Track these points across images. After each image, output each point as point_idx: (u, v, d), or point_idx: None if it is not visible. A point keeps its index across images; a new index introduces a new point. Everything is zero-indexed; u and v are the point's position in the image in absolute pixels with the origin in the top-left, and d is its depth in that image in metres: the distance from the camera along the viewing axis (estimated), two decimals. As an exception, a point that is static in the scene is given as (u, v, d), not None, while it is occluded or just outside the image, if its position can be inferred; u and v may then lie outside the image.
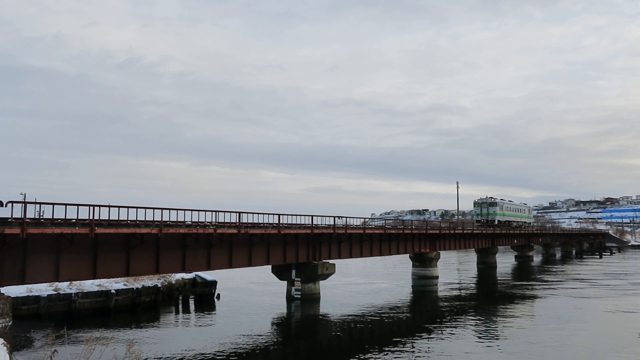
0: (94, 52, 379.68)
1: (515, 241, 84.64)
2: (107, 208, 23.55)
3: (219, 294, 40.59)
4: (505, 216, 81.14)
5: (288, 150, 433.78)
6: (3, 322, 19.27)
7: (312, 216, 35.44)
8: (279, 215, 32.64)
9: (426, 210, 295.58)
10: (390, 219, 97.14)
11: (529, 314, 33.79)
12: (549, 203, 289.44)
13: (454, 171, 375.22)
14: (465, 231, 62.23)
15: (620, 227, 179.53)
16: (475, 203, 79.97)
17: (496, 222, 77.47)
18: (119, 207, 24.35)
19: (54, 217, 23.05)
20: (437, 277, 55.27)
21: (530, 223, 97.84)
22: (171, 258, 27.55)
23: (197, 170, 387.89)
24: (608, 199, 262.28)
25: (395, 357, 22.44)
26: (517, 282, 54.75)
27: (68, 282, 31.67)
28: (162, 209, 26.20)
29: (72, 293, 31.63)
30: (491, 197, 78.91)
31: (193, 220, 28.58)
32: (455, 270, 71.55)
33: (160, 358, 22.17)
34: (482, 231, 67.78)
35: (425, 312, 37.12)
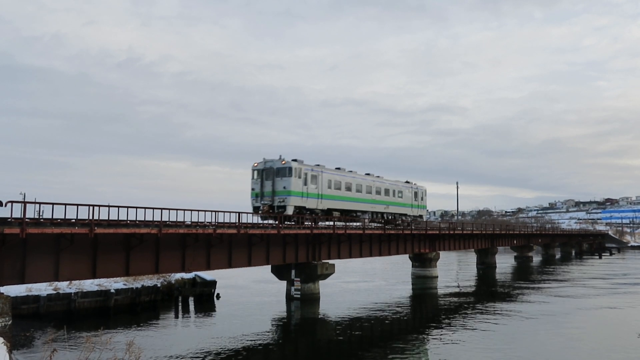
0: (93, 51, 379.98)
1: (515, 242, 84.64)
2: (107, 208, 23.59)
3: (218, 294, 40.59)
4: (326, 199, 39.81)
5: (288, 150, 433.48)
6: (3, 321, 19.30)
7: (312, 216, 35.45)
8: (278, 215, 32.66)
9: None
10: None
11: (529, 314, 33.78)
12: (549, 203, 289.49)
13: (454, 171, 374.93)
14: (464, 232, 62.22)
15: (620, 228, 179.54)
16: (253, 170, 38.32)
17: (290, 211, 36.04)
18: (118, 207, 24.39)
19: (54, 217, 23.10)
20: (436, 278, 55.31)
21: (420, 217, 56.37)
22: (171, 258, 27.56)
23: (197, 170, 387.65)
24: (608, 200, 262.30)
25: (395, 357, 22.46)
26: (516, 283, 54.77)
27: (68, 282, 31.65)
28: (162, 209, 26.22)
29: (71, 293, 31.63)
30: (284, 160, 37.11)
31: (193, 221, 28.61)
32: (454, 271, 71.56)
33: (160, 358, 22.19)
34: (482, 232, 67.75)
35: (425, 312, 37.14)
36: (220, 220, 28.80)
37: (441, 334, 27.61)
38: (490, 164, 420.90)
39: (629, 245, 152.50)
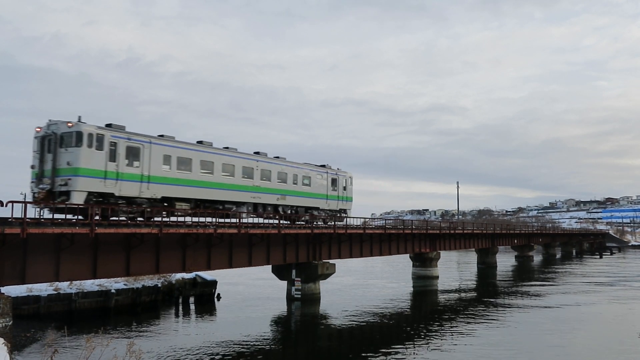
0: (93, 51, 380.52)
1: (516, 241, 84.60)
2: (108, 208, 23.57)
3: (219, 294, 40.56)
4: (158, 184, 27.56)
5: (288, 150, 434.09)
6: (3, 321, 19.27)
7: (312, 216, 35.44)
8: (279, 215, 32.65)
9: (426, 210, 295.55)
10: (390, 219, 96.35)
11: (529, 313, 33.77)
12: (549, 203, 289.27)
13: (454, 171, 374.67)
14: (465, 231, 62.19)
15: (621, 227, 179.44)
16: (35, 139, 25.25)
17: (79, 199, 23.64)
18: (119, 207, 24.36)
19: (54, 216, 23.10)
20: (437, 277, 55.27)
21: (343, 211, 43.58)
22: (171, 258, 27.53)
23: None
24: (608, 199, 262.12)
25: (395, 357, 22.44)
26: (517, 282, 54.72)
27: (68, 282, 31.66)
28: (162, 209, 26.23)
29: (72, 293, 31.63)
30: (72, 122, 24.22)
31: (193, 220, 28.61)
32: (455, 270, 71.53)
33: (161, 358, 22.17)
34: (483, 231, 67.71)
35: (426, 312, 37.11)
36: (221, 220, 28.79)
37: (442, 334, 27.60)
38: (490, 163, 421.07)
39: (630, 244, 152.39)
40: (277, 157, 37.01)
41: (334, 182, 42.17)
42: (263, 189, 34.38)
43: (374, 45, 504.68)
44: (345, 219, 42.54)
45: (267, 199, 34.76)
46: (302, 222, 37.45)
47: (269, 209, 35.21)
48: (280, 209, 36.24)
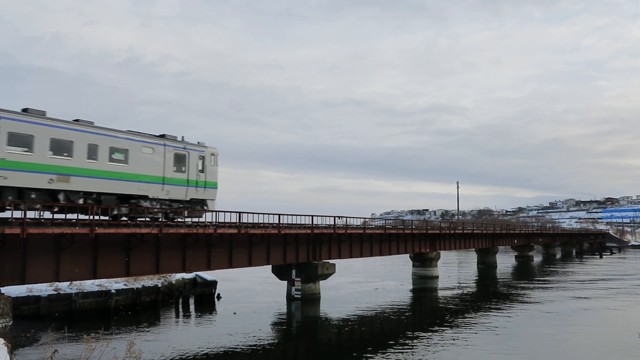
0: (93, 51, 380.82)
1: (516, 241, 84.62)
2: (107, 208, 23.57)
3: (219, 294, 40.57)
4: None
5: (288, 150, 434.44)
6: (3, 322, 19.29)
7: (312, 216, 35.42)
8: (279, 215, 32.62)
9: (426, 210, 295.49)
10: (390, 219, 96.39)
11: (529, 313, 33.78)
12: (549, 203, 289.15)
13: (454, 171, 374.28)
14: (465, 231, 62.19)
15: (621, 227, 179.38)
16: None
17: None
18: (119, 207, 24.37)
19: (54, 217, 23.10)
20: (437, 277, 55.29)
21: (202, 202, 30.32)
22: (171, 258, 27.54)
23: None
24: (608, 199, 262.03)
25: (395, 357, 22.45)
26: (517, 282, 54.73)
27: (68, 282, 31.67)
28: (162, 209, 26.23)
29: (72, 293, 31.63)
30: None
31: (193, 221, 28.60)
32: (455, 270, 71.52)
33: (161, 358, 22.17)
34: (483, 231, 67.72)
35: (426, 312, 37.12)
36: (221, 220, 28.77)
37: (442, 334, 27.60)
38: (490, 163, 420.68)
39: (630, 244, 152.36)
40: (77, 121, 24.53)
41: (179, 159, 29.17)
42: (16, 165, 21.63)
43: (374, 45, 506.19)
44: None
45: (25, 179, 21.97)
46: (125, 220, 26.43)
47: (34, 196, 22.49)
48: (60, 195, 23.56)
